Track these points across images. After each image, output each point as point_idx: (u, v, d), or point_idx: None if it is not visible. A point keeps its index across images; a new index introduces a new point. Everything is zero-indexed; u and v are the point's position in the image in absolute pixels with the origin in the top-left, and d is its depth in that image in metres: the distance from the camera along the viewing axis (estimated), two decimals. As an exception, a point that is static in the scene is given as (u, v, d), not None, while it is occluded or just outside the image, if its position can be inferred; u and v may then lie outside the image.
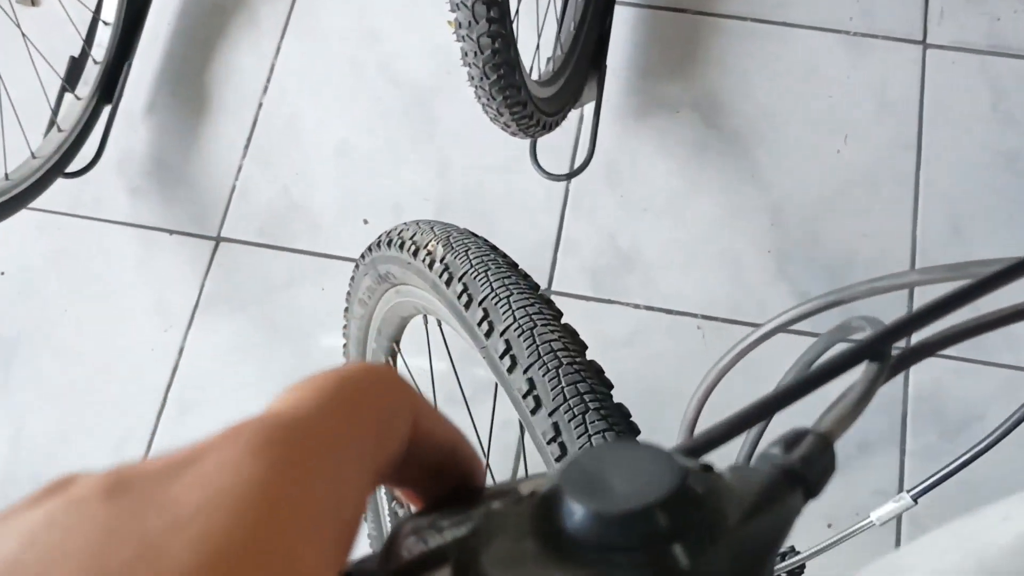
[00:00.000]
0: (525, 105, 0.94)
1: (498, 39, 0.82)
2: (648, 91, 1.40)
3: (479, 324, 0.69)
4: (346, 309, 0.94)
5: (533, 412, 0.63)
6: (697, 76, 1.40)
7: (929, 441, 1.21)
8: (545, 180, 1.30)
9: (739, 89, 1.39)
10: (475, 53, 0.84)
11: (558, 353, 0.63)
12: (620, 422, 0.62)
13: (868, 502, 1.18)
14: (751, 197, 1.33)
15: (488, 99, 0.91)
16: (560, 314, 0.69)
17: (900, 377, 1.24)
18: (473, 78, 0.88)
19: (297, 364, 1.25)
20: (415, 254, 0.74)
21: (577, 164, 1.30)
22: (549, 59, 1.20)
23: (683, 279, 1.29)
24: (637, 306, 1.28)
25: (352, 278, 0.91)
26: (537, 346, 0.63)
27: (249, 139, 1.40)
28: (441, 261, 0.74)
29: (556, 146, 1.35)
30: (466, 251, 0.71)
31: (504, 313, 0.65)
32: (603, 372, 0.65)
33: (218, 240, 1.35)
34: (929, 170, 1.34)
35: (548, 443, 0.61)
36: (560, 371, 0.63)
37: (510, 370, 0.64)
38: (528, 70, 1.06)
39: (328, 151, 1.38)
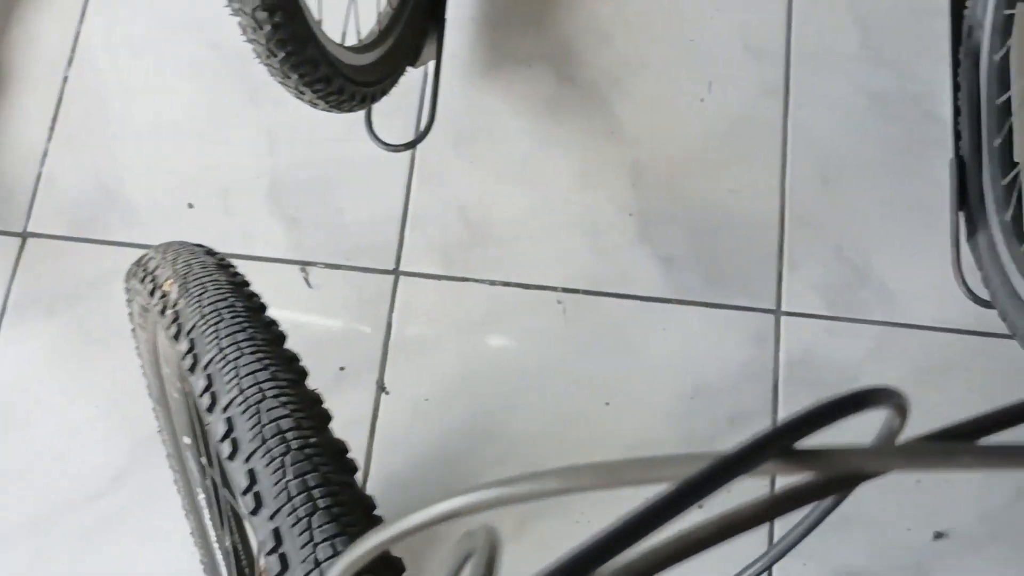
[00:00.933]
0: (330, 80, 0.82)
1: (277, 11, 0.70)
2: (496, 44, 1.28)
3: (202, 394, 0.58)
4: (132, 329, 0.83)
5: (254, 512, 0.53)
6: (549, 25, 1.29)
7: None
8: (390, 151, 1.18)
9: (594, 37, 1.29)
10: (253, 29, 0.71)
11: (287, 435, 0.52)
12: (358, 521, 0.52)
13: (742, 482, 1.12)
14: (610, 156, 1.24)
15: (283, 78, 0.79)
16: (303, 375, 0.58)
17: (770, 344, 1.17)
18: (259, 56, 0.76)
19: (119, 373, 1.13)
20: (152, 293, 0.63)
21: (421, 130, 1.18)
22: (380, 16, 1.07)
23: (540, 250, 1.20)
24: (493, 282, 1.19)
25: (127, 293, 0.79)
26: (263, 427, 0.52)
27: (54, 119, 1.25)
28: (172, 307, 0.62)
29: (398, 111, 1.24)
30: (200, 295, 0.59)
31: (230, 383, 0.54)
32: (346, 452, 0.55)
33: (24, 236, 1.21)
34: (797, 116, 1.27)
35: (268, 554, 0.51)
36: (287, 459, 0.52)
37: (232, 456, 0.53)
38: (342, 36, 0.94)
39: (143, 128, 1.24)
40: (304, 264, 1.18)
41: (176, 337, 0.62)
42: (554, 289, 1.19)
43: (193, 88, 1.25)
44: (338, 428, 1.13)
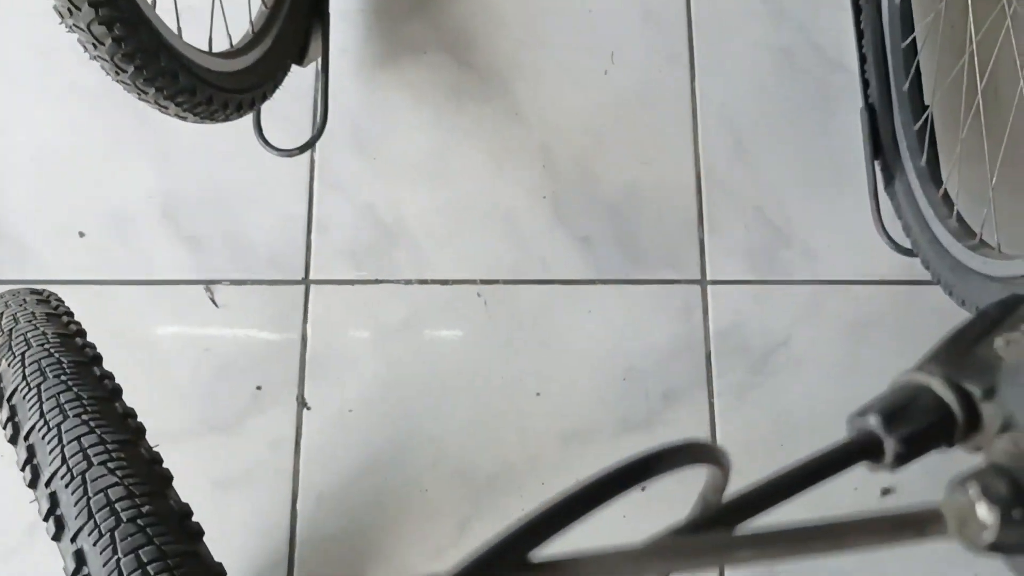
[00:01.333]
0: (194, 91, 0.77)
1: (116, 24, 0.64)
2: (388, 34, 1.23)
3: (23, 467, 0.52)
4: None
5: None
6: (441, 10, 1.25)
7: (737, 378, 1.13)
8: (284, 157, 1.13)
9: (488, 18, 1.24)
10: (93, 45, 0.66)
11: (116, 506, 0.47)
12: None
13: (681, 455, 1.10)
14: (517, 139, 1.20)
15: (139, 94, 0.73)
16: (139, 433, 0.53)
17: (699, 315, 1.15)
18: (108, 73, 0.70)
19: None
20: None
21: (314, 132, 1.13)
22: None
23: (455, 244, 1.16)
24: (409, 282, 1.14)
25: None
26: (89, 499, 0.47)
27: (-73, 156, 1.18)
28: None
29: (293, 113, 1.18)
30: (23, 353, 0.54)
31: (53, 452, 0.49)
32: (188, 516, 0.50)
33: (-93, 284, 1.13)
34: (704, 80, 1.24)
35: None
36: (117, 534, 0.47)
37: (57, 536, 0.48)
38: (208, 43, 0.88)
39: (24, 158, 1.17)
40: (208, 283, 1.13)
41: None
42: (473, 282, 1.15)
43: (75, 113, 1.18)
44: (260, 449, 1.08)
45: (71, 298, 1.12)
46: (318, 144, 1.17)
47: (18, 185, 1.16)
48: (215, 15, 0.97)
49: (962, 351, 0.35)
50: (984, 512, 0.28)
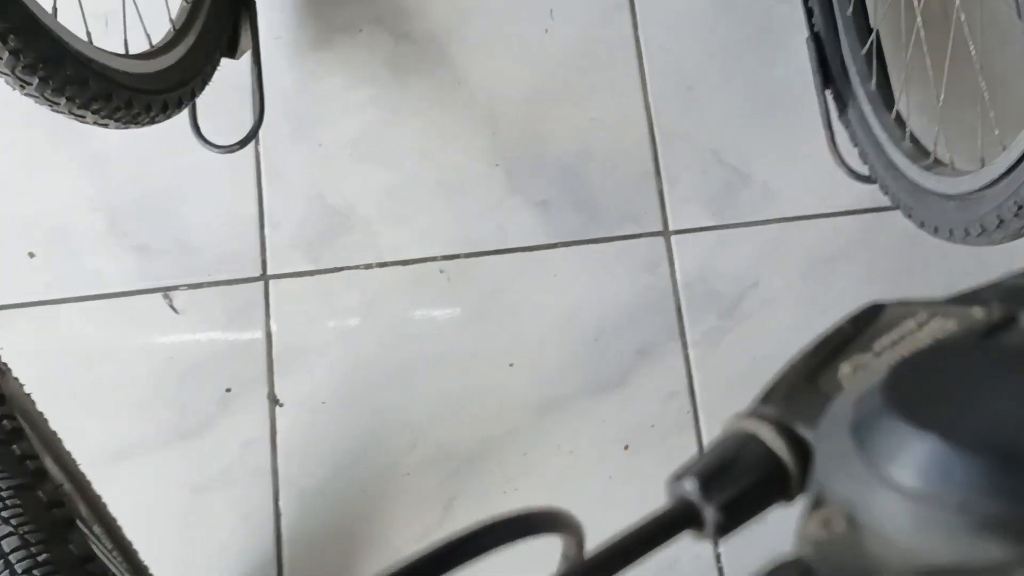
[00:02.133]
0: (109, 96, 0.74)
1: (10, 36, 0.62)
2: (320, 16, 1.20)
3: None
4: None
5: None
6: (371, -15, 1.22)
7: (709, 325, 1.11)
8: (228, 154, 1.10)
9: (421, -12, 1.21)
10: (-12, 60, 0.63)
11: (11, 557, 0.45)
12: None
13: (662, 411, 1.09)
14: (462, 109, 1.18)
15: (51, 105, 0.71)
16: (38, 476, 0.50)
17: (665, 267, 1.13)
18: (13, 87, 0.68)
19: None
20: None
21: (253, 124, 1.11)
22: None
23: (411, 222, 1.14)
24: (369, 266, 1.12)
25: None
26: None
27: None
28: None
29: (232, 108, 1.15)
30: None
31: None
32: (90, 560, 0.48)
33: None
34: (648, 28, 1.21)
35: None
36: None
37: None
38: (125, 44, 0.86)
39: (-38, 183, 1.14)
40: (165, 290, 1.11)
41: None
42: (433, 259, 1.13)
43: (5, 131, 1.15)
44: (235, 450, 1.07)
45: (22, 323, 1.10)
46: (261, 136, 1.15)
47: (-41, 212, 1.13)
48: (134, 17, 0.94)
49: (801, 383, 0.29)
50: None
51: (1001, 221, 0.74)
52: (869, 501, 0.22)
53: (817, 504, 0.24)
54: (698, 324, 1.11)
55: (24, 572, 0.45)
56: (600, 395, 1.09)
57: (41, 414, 0.82)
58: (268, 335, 1.10)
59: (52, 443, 0.83)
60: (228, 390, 1.08)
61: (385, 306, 1.11)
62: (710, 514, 0.28)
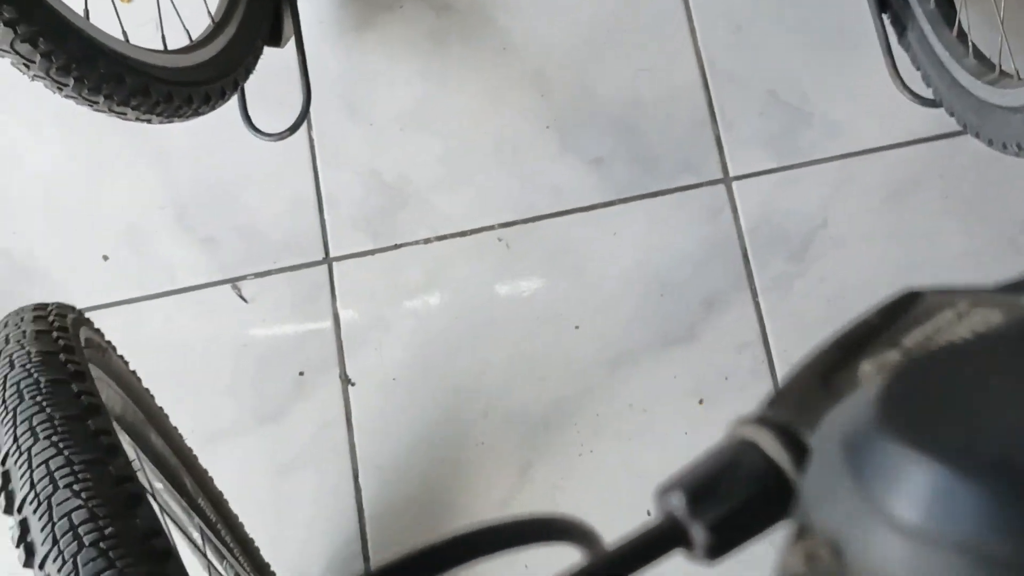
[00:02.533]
0: (147, 91, 0.76)
1: (40, 40, 0.64)
2: (361, -5, 1.20)
3: None
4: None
5: None
6: (409, -42, 1.21)
7: (778, 270, 1.08)
8: (281, 141, 1.11)
9: (458, -44, 1.20)
10: (25, 66, 0.65)
11: (79, 530, 0.46)
12: None
13: (735, 361, 1.06)
14: (510, 72, 1.16)
15: (90, 105, 0.73)
16: (111, 451, 0.52)
17: (728, 215, 1.10)
18: (51, 90, 0.70)
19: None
20: None
21: (300, 109, 1.12)
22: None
23: (466, 192, 1.13)
24: (427, 240, 1.12)
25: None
26: (54, 525, 0.47)
27: (-51, 212, 1.20)
28: None
29: (282, 95, 1.17)
30: (5, 375, 0.54)
31: (23, 477, 0.49)
32: (156, 535, 0.49)
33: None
34: (692, -30, 1.17)
35: None
36: (79, 560, 0.46)
37: (28, 563, 0.48)
38: (163, 39, 0.87)
39: (36, 192, 1.19)
40: (234, 281, 1.13)
41: None
42: (491, 228, 1.12)
43: (68, 137, 1.19)
44: (312, 432, 1.09)
45: (105, 322, 1.13)
46: (313, 119, 1.16)
47: (35, 219, 1.18)
48: (175, 13, 0.96)
49: (815, 384, 0.25)
50: None
51: (1069, 129, 0.70)
52: (859, 535, 0.19)
53: (801, 533, 0.21)
54: (767, 270, 1.08)
55: (91, 545, 0.47)
56: (670, 350, 1.07)
57: (147, 391, 0.85)
58: (335, 316, 1.11)
59: (158, 418, 0.86)
60: (301, 373, 1.10)
61: (447, 279, 1.12)
62: (699, 534, 0.25)
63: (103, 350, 0.77)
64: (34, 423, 0.51)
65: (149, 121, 0.79)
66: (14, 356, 0.57)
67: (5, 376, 0.55)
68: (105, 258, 1.16)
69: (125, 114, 0.75)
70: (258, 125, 1.09)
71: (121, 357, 0.82)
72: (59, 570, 0.45)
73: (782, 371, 1.05)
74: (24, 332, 0.59)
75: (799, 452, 0.24)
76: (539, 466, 1.05)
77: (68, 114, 1.20)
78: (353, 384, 1.09)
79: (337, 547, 1.06)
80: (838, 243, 1.09)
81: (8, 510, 0.50)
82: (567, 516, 0.30)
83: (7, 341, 0.59)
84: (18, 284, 1.17)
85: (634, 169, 1.12)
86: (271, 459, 1.08)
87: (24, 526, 0.48)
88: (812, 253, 1.08)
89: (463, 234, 1.12)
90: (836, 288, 1.08)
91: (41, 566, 0.46)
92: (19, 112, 1.21)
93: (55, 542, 0.46)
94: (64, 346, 0.61)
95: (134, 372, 0.83)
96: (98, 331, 0.76)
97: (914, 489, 0.17)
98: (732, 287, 1.08)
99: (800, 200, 1.10)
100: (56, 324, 0.62)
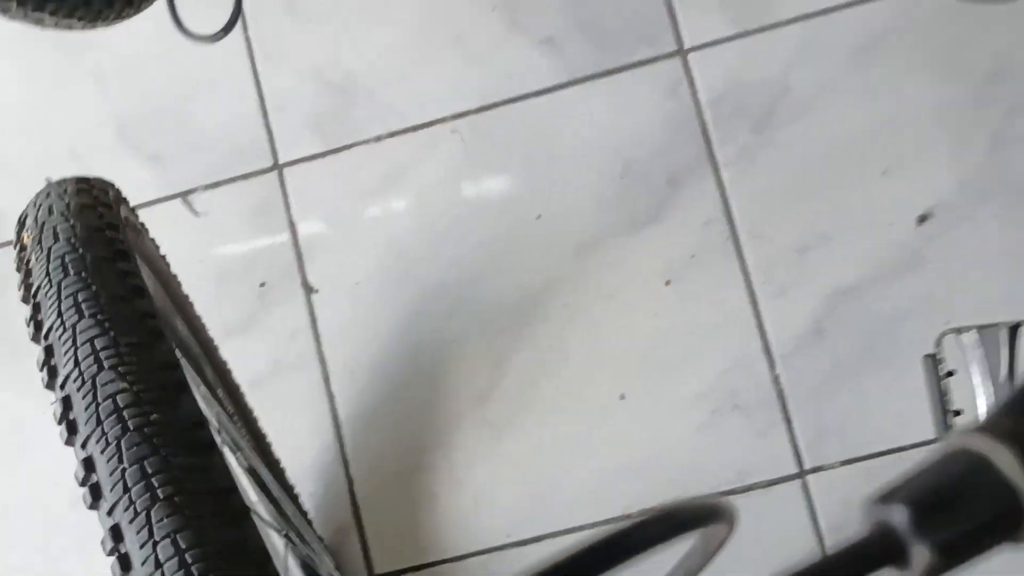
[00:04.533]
0: None
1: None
2: None
3: (42, 367, 0.51)
4: None
5: (92, 506, 0.47)
6: None
7: (742, 142, 1.05)
8: (216, 44, 1.06)
9: None
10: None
11: (124, 413, 0.45)
12: (206, 511, 0.46)
13: (701, 239, 1.04)
14: (450, -46, 1.10)
15: (5, 12, 0.68)
16: (155, 335, 0.51)
17: (686, 88, 1.06)
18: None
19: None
20: (15, 246, 0.58)
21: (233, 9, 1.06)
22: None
23: (415, 85, 1.09)
24: (379, 138, 1.09)
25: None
26: (98, 405, 0.46)
27: None
28: (25, 264, 0.57)
29: (213, -4, 1.11)
30: (50, 248, 0.53)
31: (67, 353, 0.48)
32: (201, 425, 0.48)
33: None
34: None
35: (108, 554, 0.45)
36: (123, 443, 0.45)
37: (70, 441, 0.47)
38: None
39: (-30, 120, 1.14)
40: (183, 195, 1.10)
41: (25, 300, 0.56)
42: (444, 120, 1.09)
43: (0, 62, 1.14)
44: (281, 343, 1.07)
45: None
46: (249, 21, 1.11)
47: (-27, 149, 1.14)
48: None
49: None
50: None
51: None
52: None
53: None
54: (729, 143, 1.05)
55: (135, 429, 0.46)
56: (634, 232, 1.05)
57: (175, 276, 0.83)
58: (291, 224, 1.09)
59: (184, 306, 0.85)
60: (262, 284, 1.08)
61: (402, 176, 1.08)
62: (922, 554, 0.23)
63: (138, 232, 0.75)
64: (79, 299, 0.50)
65: (70, 27, 0.75)
66: (58, 228, 0.55)
67: (50, 248, 0.54)
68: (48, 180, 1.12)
69: (43, 20, 0.71)
70: (191, 29, 1.03)
71: (152, 240, 0.79)
72: (102, 451, 0.45)
73: (748, 246, 1.03)
74: (68, 205, 0.58)
75: None
76: (513, 358, 1.04)
77: (-9, 33, 1.14)
78: (316, 291, 1.07)
79: (315, 454, 1.06)
80: (803, 109, 1.05)
81: (50, 386, 0.49)
82: (703, 500, 0.27)
83: (51, 212, 0.57)
84: (-37, 215, 1.14)
85: (587, 47, 1.08)
86: (241, 372, 1.07)
87: (67, 403, 0.48)
88: (775, 122, 1.05)
89: (415, 128, 1.09)
90: (802, 156, 1.05)
91: (83, 445, 0.46)
92: (-60, 34, 1.15)
93: (99, 423, 0.46)
94: (108, 223, 0.60)
95: (164, 257, 0.81)
96: (134, 211, 0.74)
97: None
98: (695, 163, 1.05)
99: (761, 67, 1.06)
100: (100, 200, 0.61)
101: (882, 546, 0.23)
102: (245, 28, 1.11)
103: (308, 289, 1.07)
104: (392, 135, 1.09)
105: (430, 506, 1.02)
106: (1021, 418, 0.23)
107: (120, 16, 0.82)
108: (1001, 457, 0.23)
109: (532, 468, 1.01)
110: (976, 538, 0.23)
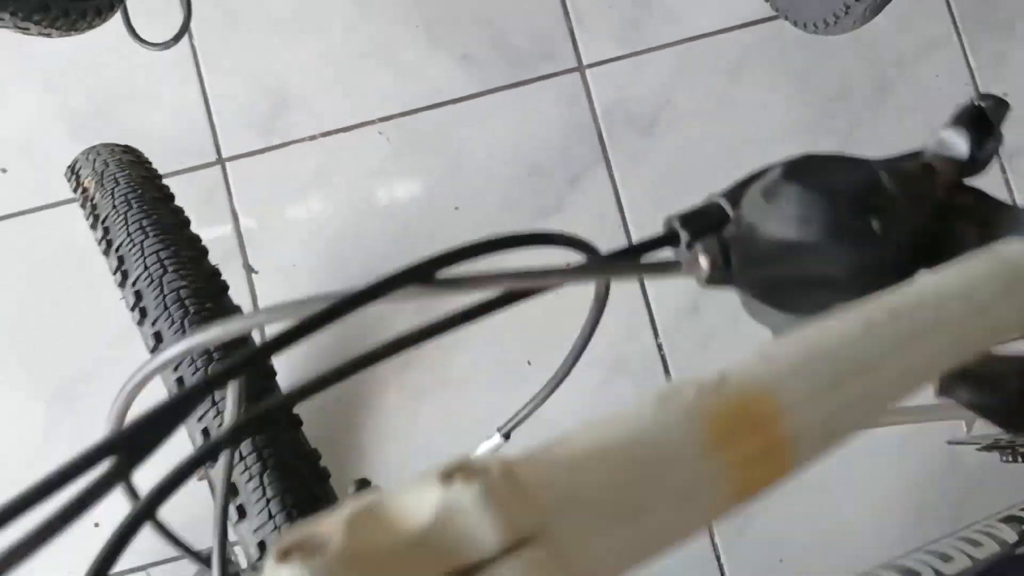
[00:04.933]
0: (47, 8, 0.83)
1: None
2: (230, -94, 1.26)
3: (115, 272, 0.68)
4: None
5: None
6: None
7: (631, 146, 1.22)
8: (165, 51, 1.18)
9: None
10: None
11: (186, 302, 0.61)
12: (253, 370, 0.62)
13: (597, 228, 1.21)
14: (378, -23, 1.25)
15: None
16: (204, 253, 0.68)
17: (583, 100, 1.23)
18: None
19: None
20: (75, 190, 0.73)
21: (183, 19, 1.18)
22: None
23: (345, 90, 1.23)
24: (313, 137, 1.22)
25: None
26: (165, 296, 0.62)
27: None
28: (91, 201, 0.73)
29: (164, 7, 1.23)
30: (113, 188, 0.68)
31: (137, 261, 0.63)
32: (239, 312, 0.64)
33: None
34: None
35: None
36: (186, 322, 0.61)
37: (140, 322, 0.63)
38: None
39: (-74, 114, 1.23)
40: (132, 185, 1.21)
41: (93, 226, 0.72)
42: (371, 122, 1.23)
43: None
44: (223, 320, 1.19)
45: (9, 232, 1.20)
46: (195, 30, 1.23)
47: (-71, 141, 1.22)
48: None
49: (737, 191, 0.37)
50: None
51: (848, 8, 0.84)
52: (758, 215, 0.34)
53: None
54: (620, 147, 1.22)
55: (195, 312, 0.61)
56: (540, 222, 1.21)
57: None
58: (233, 213, 1.21)
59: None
60: (206, 266, 1.20)
61: (334, 171, 1.22)
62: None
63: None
64: (144, 224, 0.66)
65: (49, 35, 0.87)
66: (118, 176, 0.70)
67: (113, 190, 0.68)
68: (4, 171, 1.22)
69: (28, 29, 0.82)
70: (144, 37, 1.15)
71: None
72: (169, 327, 0.59)
73: (636, 234, 1.20)
74: (120, 160, 0.73)
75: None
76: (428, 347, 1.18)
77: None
78: (256, 272, 1.20)
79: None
80: (681, 119, 1.23)
81: (122, 284, 0.63)
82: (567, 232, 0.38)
83: (107, 165, 0.71)
84: (-82, 202, 1.22)
85: (498, 62, 1.24)
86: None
87: (138, 296, 0.62)
88: (659, 129, 1.23)
89: (346, 129, 1.22)
90: (680, 157, 1.23)
91: (153, 324, 0.60)
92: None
93: (166, 308, 0.60)
94: (153, 174, 0.75)
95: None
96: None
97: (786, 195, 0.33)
98: (591, 164, 1.22)
99: (647, 83, 1.23)
100: (141, 159, 0.76)
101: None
102: (191, 37, 1.23)
103: (249, 270, 1.20)
104: (325, 135, 1.22)
105: (358, 462, 1.15)
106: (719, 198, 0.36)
107: (91, 26, 0.94)
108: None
109: (450, 427, 1.15)
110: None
